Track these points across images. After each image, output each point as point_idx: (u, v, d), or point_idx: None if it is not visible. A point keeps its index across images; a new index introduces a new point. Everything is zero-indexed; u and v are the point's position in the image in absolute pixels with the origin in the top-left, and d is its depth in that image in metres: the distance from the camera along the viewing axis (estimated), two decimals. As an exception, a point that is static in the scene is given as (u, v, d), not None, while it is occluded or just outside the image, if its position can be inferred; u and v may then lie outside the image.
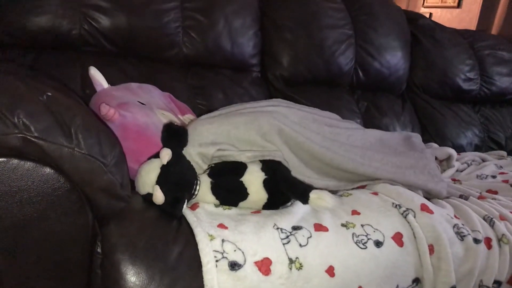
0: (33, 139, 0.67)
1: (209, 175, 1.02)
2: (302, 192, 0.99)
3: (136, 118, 1.08)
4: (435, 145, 1.87)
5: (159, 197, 0.91)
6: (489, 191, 1.44)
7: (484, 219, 1.15)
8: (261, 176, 1.02)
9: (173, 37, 1.57)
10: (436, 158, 1.66)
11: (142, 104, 1.18)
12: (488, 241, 1.10)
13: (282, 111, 1.20)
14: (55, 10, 1.36)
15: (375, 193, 1.14)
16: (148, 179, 0.94)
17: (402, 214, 1.06)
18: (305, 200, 0.98)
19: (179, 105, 1.40)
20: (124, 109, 1.07)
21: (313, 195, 0.98)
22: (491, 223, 1.14)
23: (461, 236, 1.06)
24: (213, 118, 1.14)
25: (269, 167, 1.05)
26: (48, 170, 0.71)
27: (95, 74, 1.24)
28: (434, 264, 1.01)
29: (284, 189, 1.02)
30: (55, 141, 0.69)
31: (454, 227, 1.08)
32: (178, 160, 0.97)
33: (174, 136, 1.02)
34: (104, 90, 1.23)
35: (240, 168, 1.04)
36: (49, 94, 0.73)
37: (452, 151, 1.67)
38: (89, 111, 0.87)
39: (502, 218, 1.17)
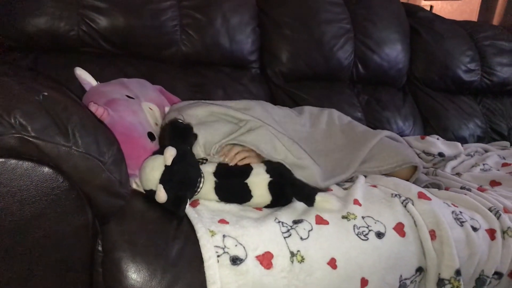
0: (30, 139, 0.67)
1: (215, 174, 1.02)
2: (308, 195, 1.00)
3: (123, 118, 1.07)
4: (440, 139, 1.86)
5: (161, 196, 0.91)
6: (492, 182, 1.43)
7: (490, 210, 1.15)
8: (266, 178, 1.02)
9: (171, 36, 1.57)
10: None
11: (130, 98, 1.18)
12: (492, 232, 1.10)
13: None
14: (53, 12, 1.36)
15: (375, 186, 1.14)
16: (152, 176, 0.94)
17: (402, 203, 1.06)
18: (310, 202, 0.99)
19: (169, 96, 1.41)
20: (111, 108, 1.07)
21: (318, 197, 0.99)
22: (497, 215, 1.14)
23: (461, 222, 1.06)
24: None
25: (274, 169, 1.05)
26: (46, 169, 0.71)
27: (81, 73, 1.24)
28: (437, 249, 1.01)
29: (290, 192, 1.02)
30: (52, 140, 0.69)
31: (452, 213, 1.08)
32: (183, 157, 0.97)
33: (179, 133, 1.01)
34: (92, 88, 1.23)
35: (246, 169, 1.04)
36: (45, 94, 0.73)
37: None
38: (87, 110, 0.87)
39: (506, 211, 1.17)
